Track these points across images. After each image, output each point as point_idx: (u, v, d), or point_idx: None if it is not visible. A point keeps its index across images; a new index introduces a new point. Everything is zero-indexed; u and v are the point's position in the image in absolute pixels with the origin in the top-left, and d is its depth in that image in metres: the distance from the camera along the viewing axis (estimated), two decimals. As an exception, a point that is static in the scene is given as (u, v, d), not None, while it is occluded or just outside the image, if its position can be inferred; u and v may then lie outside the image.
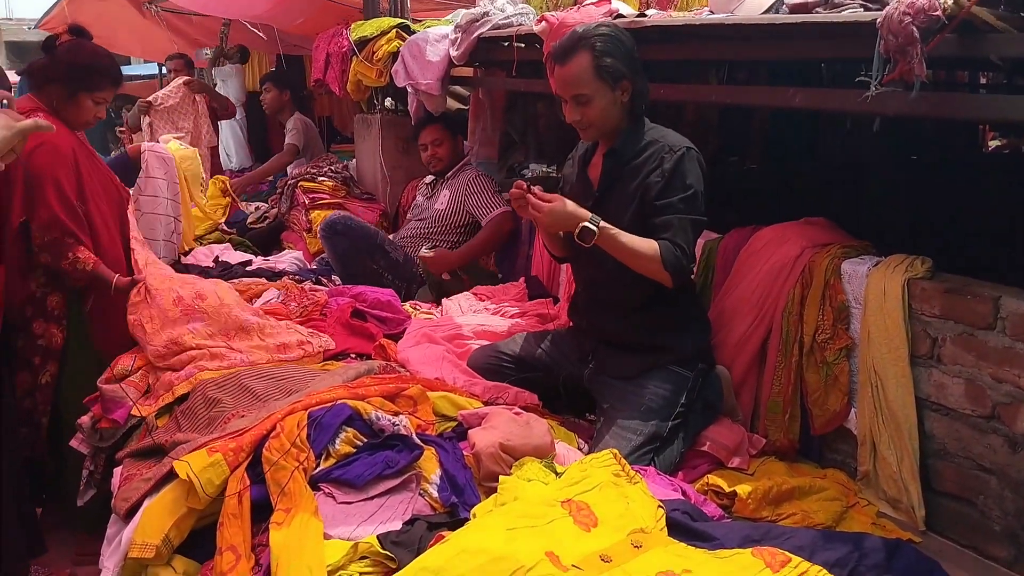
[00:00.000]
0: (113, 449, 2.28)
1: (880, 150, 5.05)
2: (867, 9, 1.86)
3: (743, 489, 2.05)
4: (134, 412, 2.34)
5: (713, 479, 2.14)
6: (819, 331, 2.28)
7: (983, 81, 5.31)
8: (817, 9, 1.98)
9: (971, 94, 3.75)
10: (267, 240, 4.65)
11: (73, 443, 2.43)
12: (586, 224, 2.15)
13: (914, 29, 1.61)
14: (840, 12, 1.89)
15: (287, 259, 4.16)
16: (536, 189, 2.23)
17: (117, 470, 2.08)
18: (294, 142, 5.36)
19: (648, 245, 2.17)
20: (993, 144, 6.25)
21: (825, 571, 1.55)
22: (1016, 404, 1.87)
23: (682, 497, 1.97)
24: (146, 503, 1.79)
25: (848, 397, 2.25)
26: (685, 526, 1.75)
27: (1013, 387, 1.87)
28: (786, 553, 1.59)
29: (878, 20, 1.70)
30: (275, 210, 4.81)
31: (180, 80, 5.57)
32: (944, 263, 2.15)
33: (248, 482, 1.74)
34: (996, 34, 1.66)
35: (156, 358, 2.51)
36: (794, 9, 2.06)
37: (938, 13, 1.59)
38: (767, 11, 2.19)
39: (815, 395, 2.30)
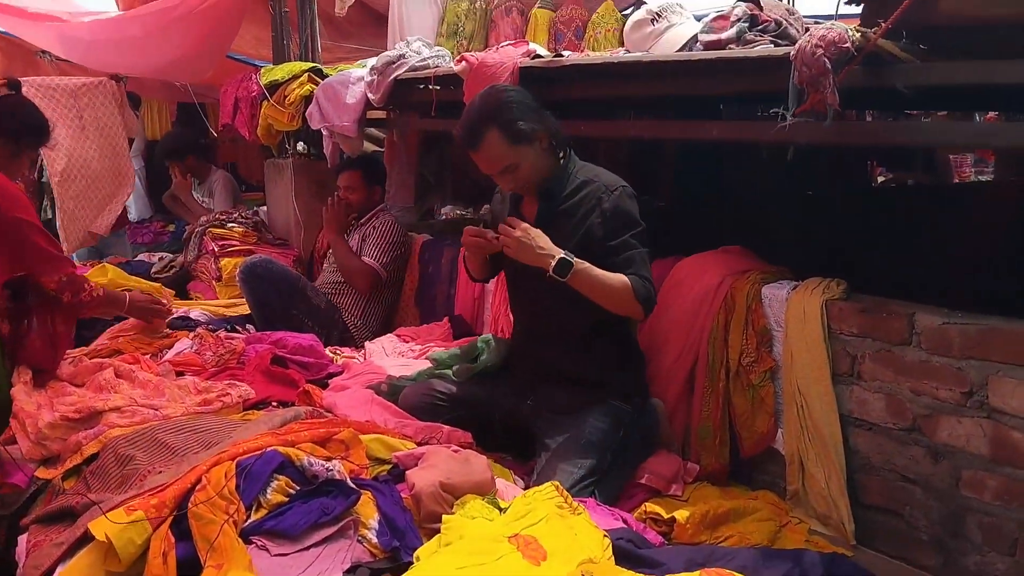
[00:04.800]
0: (17, 515, 2.11)
1: (778, 186, 5.29)
2: (777, 45, 1.96)
3: (681, 515, 2.07)
4: (38, 475, 2.18)
5: (651, 507, 2.15)
6: (744, 355, 2.35)
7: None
8: (731, 46, 2.07)
9: (880, 121, 4.01)
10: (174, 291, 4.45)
11: (-30, 512, 2.23)
12: (563, 257, 2.14)
13: (826, 61, 1.71)
14: (753, 48, 1.98)
15: (196, 309, 3.99)
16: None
17: (22, 538, 1.92)
18: (224, 208, 4.98)
19: (620, 280, 2.18)
20: (881, 179, 6.67)
21: (772, 588, 1.58)
22: (935, 415, 1.96)
23: (624, 526, 1.96)
24: (59, 569, 1.65)
25: (774, 418, 2.31)
26: (632, 554, 1.75)
27: (931, 399, 1.96)
28: (732, 573, 1.61)
29: (791, 53, 1.80)
30: (181, 259, 4.63)
31: None
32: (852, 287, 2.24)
33: (173, 540, 1.64)
34: (901, 64, 1.78)
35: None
36: (708, 46, 2.15)
37: (848, 45, 1.69)
38: (682, 48, 2.28)
39: (743, 418, 2.36)
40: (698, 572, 1.61)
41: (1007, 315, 1.89)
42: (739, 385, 2.36)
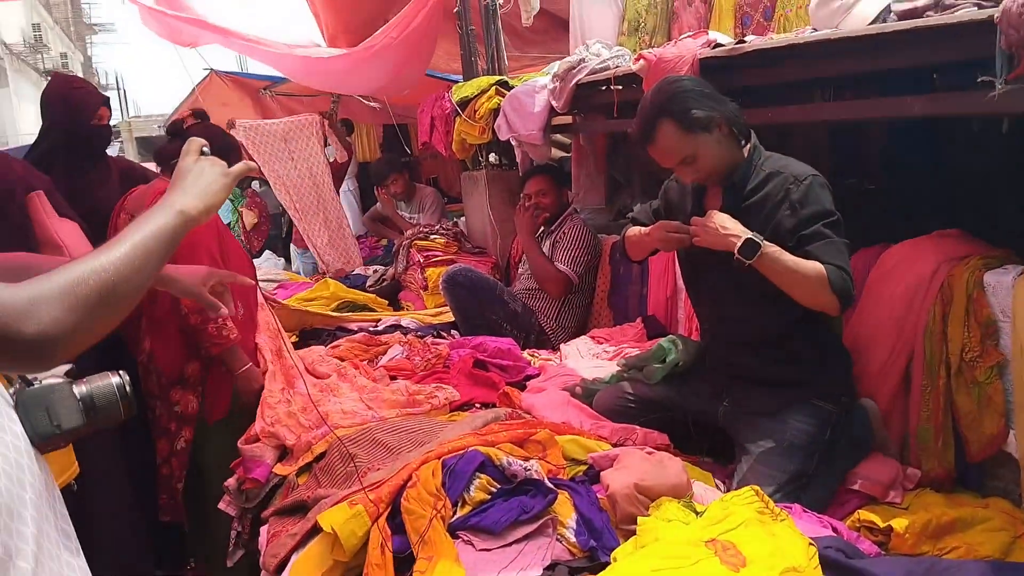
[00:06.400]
0: (258, 508, 2.37)
1: (1008, 155, 4.74)
2: (981, 7, 1.77)
3: (899, 523, 1.93)
4: (276, 471, 2.44)
5: (865, 515, 2.02)
6: (966, 350, 2.14)
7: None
8: (928, 13, 1.90)
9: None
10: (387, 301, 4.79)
11: (221, 505, 2.53)
12: (751, 237, 2.04)
13: (1035, 20, 1.53)
14: (954, 13, 1.81)
15: (407, 318, 4.27)
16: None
17: (264, 528, 2.15)
18: (432, 223, 5.39)
19: (813, 267, 2.03)
20: None
21: (1004, 606, 1.43)
22: None
23: (833, 534, 1.86)
24: (294, 558, 1.84)
25: (1005, 418, 2.08)
26: (841, 564, 1.66)
27: None
28: (957, 587, 1.48)
29: (996, 16, 1.62)
30: (391, 271, 4.98)
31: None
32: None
33: (389, 532, 1.77)
34: None
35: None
36: (903, 16, 1.98)
37: (1062, 0, 1.50)
38: (874, 21, 2.12)
39: (968, 419, 2.15)
40: (915, 585, 1.51)
41: None
42: (962, 383, 2.15)
